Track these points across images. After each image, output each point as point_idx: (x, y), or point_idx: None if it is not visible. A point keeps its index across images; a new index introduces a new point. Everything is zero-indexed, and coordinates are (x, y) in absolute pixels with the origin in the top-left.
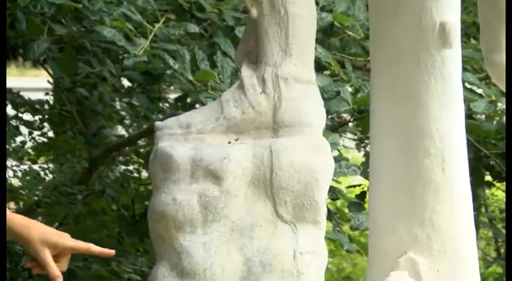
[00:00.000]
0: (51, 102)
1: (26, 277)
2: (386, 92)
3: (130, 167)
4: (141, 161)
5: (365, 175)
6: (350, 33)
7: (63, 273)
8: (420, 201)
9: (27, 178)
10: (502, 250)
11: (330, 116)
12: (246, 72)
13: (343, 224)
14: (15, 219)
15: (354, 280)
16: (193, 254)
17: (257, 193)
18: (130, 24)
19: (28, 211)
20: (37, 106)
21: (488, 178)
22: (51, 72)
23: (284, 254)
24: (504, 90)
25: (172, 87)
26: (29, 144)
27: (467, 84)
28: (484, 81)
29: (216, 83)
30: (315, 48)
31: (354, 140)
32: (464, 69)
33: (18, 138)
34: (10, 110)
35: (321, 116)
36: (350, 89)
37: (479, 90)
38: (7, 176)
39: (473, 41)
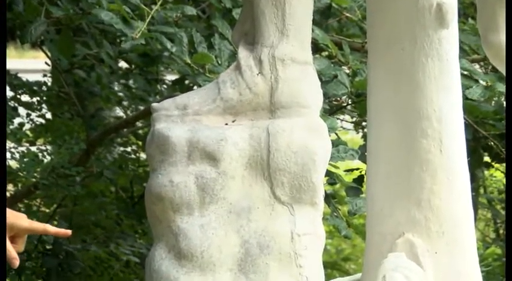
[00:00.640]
0: (49, 84)
1: (25, 259)
2: (384, 72)
3: (129, 149)
4: (139, 142)
5: (363, 159)
6: (347, 14)
7: (21, 254)
8: (418, 182)
9: (25, 159)
10: (501, 231)
11: (327, 100)
12: (242, 53)
13: (340, 208)
14: None
15: (353, 261)
16: (191, 236)
17: (254, 175)
18: (128, 6)
19: (26, 193)
20: (35, 88)
21: (486, 159)
22: (49, 54)
23: (281, 236)
24: (501, 70)
25: (169, 69)
26: (27, 126)
27: (462, 71)
28: (481, 66)
29: (214, 66)
30: (312, 30)
31: (352, 122)
32: (460, 53)
33: (16, 120)
34: (8, 92)
35: (318, 97)
36: (348, 71)
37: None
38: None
39: (471, 21)
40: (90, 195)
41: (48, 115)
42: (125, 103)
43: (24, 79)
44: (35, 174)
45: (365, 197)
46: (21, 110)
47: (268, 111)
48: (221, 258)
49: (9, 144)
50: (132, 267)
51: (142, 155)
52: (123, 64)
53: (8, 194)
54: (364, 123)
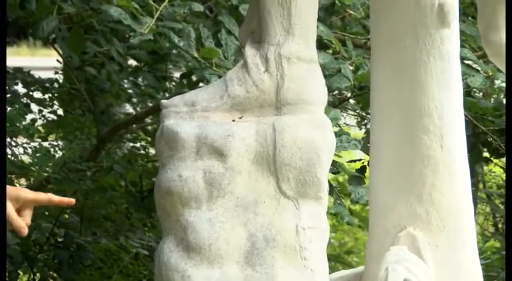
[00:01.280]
0: (60, 81)
1: (37, 251)
2: (387, 70)
3: (138, 144)
4: (148, 138)
5: (365, 149)
6: (351, 12)
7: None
8: (419, 177)
9: (38, 154)
10: (500, 225)
11: (331, 93)
12: (249, 51)
13: (344, 198)
14: None
15: (355, 253)
16: (199, 230)
17: (260, 170)
18: (136, 3)
19: (39, 187)
20: (47, 85)
21: (486, 154)
22: (60, 51)
23: (287, 230)
24: (501, 68)
25: (178, 67)
26: (39, 122)
27: (463, 61)
28: (482, 59)
29: (221, 60)
30: (317, 27)
31: (355, 116)
32: (461, 46)
33: (29, 116)
34: (21, 89)
35: (323, 95)
36: (351, 67)
37: (476, 66)
38: (18, 153)
39: (471, 19)
40: (100, 189)
41: (60, 111)
42: (134, 100)
43: (36, 76)
44: (47, 168)
45: (367, 187)
46: (34, 107)
47: (274, 108)
48: (228, 251)
49: (21, 139)
50: (141, 259)
51: (151, 151)
52: (132, 62)
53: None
54: (367, 120)
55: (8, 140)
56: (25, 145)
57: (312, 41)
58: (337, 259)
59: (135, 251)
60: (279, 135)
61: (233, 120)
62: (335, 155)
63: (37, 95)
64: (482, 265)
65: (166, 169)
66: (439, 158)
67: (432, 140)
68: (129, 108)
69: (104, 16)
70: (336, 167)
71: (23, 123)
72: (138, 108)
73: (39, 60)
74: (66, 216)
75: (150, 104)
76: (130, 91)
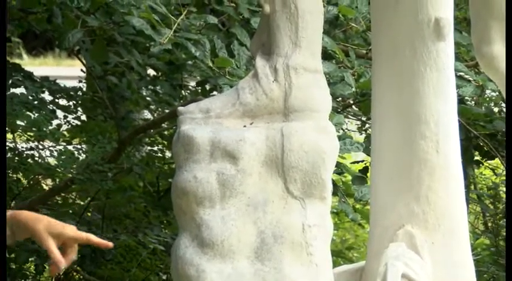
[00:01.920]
0: (84, 89)
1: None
2: (387, 80)
3: (155, 148)
4: (165, 142)
5: (367, 151)
6: (353, 25)
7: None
8: (417, 180)
9: (63, 157)
10: (490, 224)
11: (335, 99)
12: (260, 62)
13: (348, 198)
14: (23, 214)
15: (356, 249)
16: (212, 227)
17: (270, 172)
18: (156, 15)
19: (63, 187)
20: (71, 93)
21: (477, 157)
22: (84, 61)
23: (294, 227)
24: (493, 79)
25: (193, 76)
26: (64, 127)
27: (456, 72)
28: (473, 71)
29: (233, 69)
30: (322, 39)
31: (358, 121)
32: (454, 58)
33: (55, 122)
34: (47, 96)
35: (327, 102)
36: (353, 76)
37: (468, 77)
38: (44, 155)
39: (464, 34)
40: (120, 189)
41: (83, 117)
42: (152, 106)
43: (61, 85)
44: (71, 170)
45: (369, 186)
46: (59, 113)
47: (283, 114)
48: (239, 246)
49: (48, 143)
50: (158, 254)
51: (168, 154)
52: (151, 71)
53: (46, 188)
54: (367, 126)
55: (35, 143)
56: (51, 148)
57: (318, 52)
58: (339, 254)
59: (153, 246)
60: (287, 140)
61: (244, 126)
62: (339, 156)
63: (62, 102)
64: (473, 260)
65: (183, 171)
66: (435, 162)
67: (429, 145)
68: (147, 115)
69: (125, 29)
70: (340, 168)
71: (49, 128)
72: (155, 115)
73: (64, 70)
74: (89, 214)
75: (167, 111)
76: (148, 98)
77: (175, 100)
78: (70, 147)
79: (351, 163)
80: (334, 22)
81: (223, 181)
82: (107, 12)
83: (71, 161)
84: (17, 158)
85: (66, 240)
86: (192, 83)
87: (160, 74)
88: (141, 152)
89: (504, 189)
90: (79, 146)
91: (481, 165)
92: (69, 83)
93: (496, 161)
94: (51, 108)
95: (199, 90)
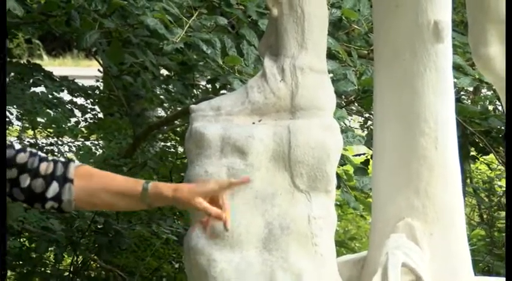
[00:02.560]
0: (101, 88)
1: (80, 237)
2: (388, 80)
3: (168, 144)
4: (178, 138)
5: (368, 144)
6: (356, 27)
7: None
8: (416, 175)
9: (81, 152)
10: (485, 216)
11: (338, 96)
12: (268, 63)
13: (349, 187)
14: (163, 186)
15: (358, 240)
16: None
17: (277, 166)
18: (169, 16)
19: None
20: (89, 91)
21: (473, 153)
22: (101, 62)
23: (300, 219)
24: (489, 80)
25: (204, 76)
26: (82, 124)
27: (454, 66)
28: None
29: (242, 66)
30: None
31: (360, 118)
32: (453, 53)
33: (73, 119)
34: (66, 95)
35: (332, 101)
36: (356, 74)
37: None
38: (63, 151)
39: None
40: None
41: (100, 115)
42: (166, 105)
43: (80, 84)
44: (89, 164)
45: (370, 176)
46: (77, 111)
47: (289, 112)
48: (248, 237)
49: (67, 139)
50: (171, 244)
51: (180, 149)
52: (164, 71)
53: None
54: (369, 123)
55: (55, 139)
56: (70, 144)
57: (323, 53)
58: (341, 244)
59: (166, 237)
60: (293, 137)
61: (253, 123)
62: (342, 149)
63: (80, 100)
64: (469, 250)
65: (194, 165)
66: (434, 158)
67: (428, 142)
68: (161, 112)
69: (140, 31)
70: (343, 160)
71: (68, 125)
72: (168, 112)
73: (82, 70)
74: None
75: (179, 108)
76: (162, 97)
77: (187, 98)
78: (88, 143)
79: (353, 156)
80: (337, 24)
81: (233, 175)
82: (123, 15)
83: (88, 156)
84: None
85: (213, 194)
86: (203, 82)
87: (173, 73)
88: (155, 148)
89: (499, 183)
90: (96, 142)
91: (476, 160)
92: (87, 82)
93: (491, 157)
94: (69, 107)
95: (210, 89)
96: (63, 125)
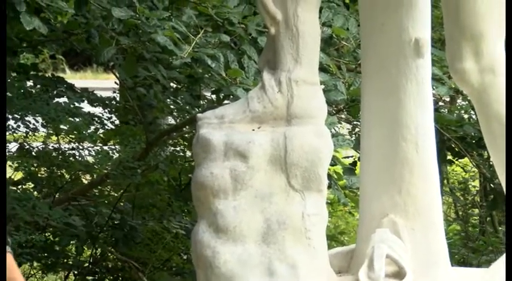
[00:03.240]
0: (117, 98)
1: (98, 231)
2: (374, 91)
3: (178, 148)
4: (186, 143)
5: (356, 148)
6: (345, 43)
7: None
8: (399, 175)
9: (99, 156)
10: (460, 213)
11: (329, 105)
12: (266, 76)
13: (340, 187)
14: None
15: (347, 234)
16: (226, 215)
17: (274, 169)
18: (178, 34)
19: (100, 181)
20: (107, 102)
21: (449, 157)
22: (117, 75)
23: (295, 216)
24: (465, 92)
25: (209, 88)
26: (100, 131)
27: (433, 76)
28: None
29: (243, 78)
30: None
31: (349, 125)
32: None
33: (92, 126)
34: (86, 105)
35: (324, 110)
36: (345, 85)
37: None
38: (84, 154)
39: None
40: (148, 183)
41: (117, 122)
42: (175, 113)
43: (98, 95)
44: (107, 167)
45: (358, 176)
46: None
47: (286, 120)
48: (249, 232)
49: (86, 144)
50: (180, 238)
51: (188, 153)
52: (173, 84)
53: (85, 182)
54: (357, 130)
55: (76, 144)
56: (89, 148)
57: (315, 67)
58: (332, 238)
59: (175, 231)
60: (289, 142)
61: (253, 130)
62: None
63: (99, 110)
64: (446, 244)
65: (201, 168)
66: (415, 160)
67: (409, 146)
68: (171, 120)
69: (152, 47)
70: (333, 161)
71: (88, 131)
72: (178, 120)
73: (101, 83)
74: (122, 204)
75: (187, 117)
76: (172, 107)
77: (194, 108)
78: (105, 147)
79: (343, 158)
80: (328, 41)
81: (235, 176)
82: (137, 33)
83: (106, 159)
84: (60, 157)
85: None
86: (208, 93)
87: (181, 85)
88: (165, 152)
89: (472, 183)
90: (113, 147)
91: (453, 163)
92: (105, 94)
93: (466, 160)
94: (89, 118)
95: (215, 100)
96: (84, 132)
